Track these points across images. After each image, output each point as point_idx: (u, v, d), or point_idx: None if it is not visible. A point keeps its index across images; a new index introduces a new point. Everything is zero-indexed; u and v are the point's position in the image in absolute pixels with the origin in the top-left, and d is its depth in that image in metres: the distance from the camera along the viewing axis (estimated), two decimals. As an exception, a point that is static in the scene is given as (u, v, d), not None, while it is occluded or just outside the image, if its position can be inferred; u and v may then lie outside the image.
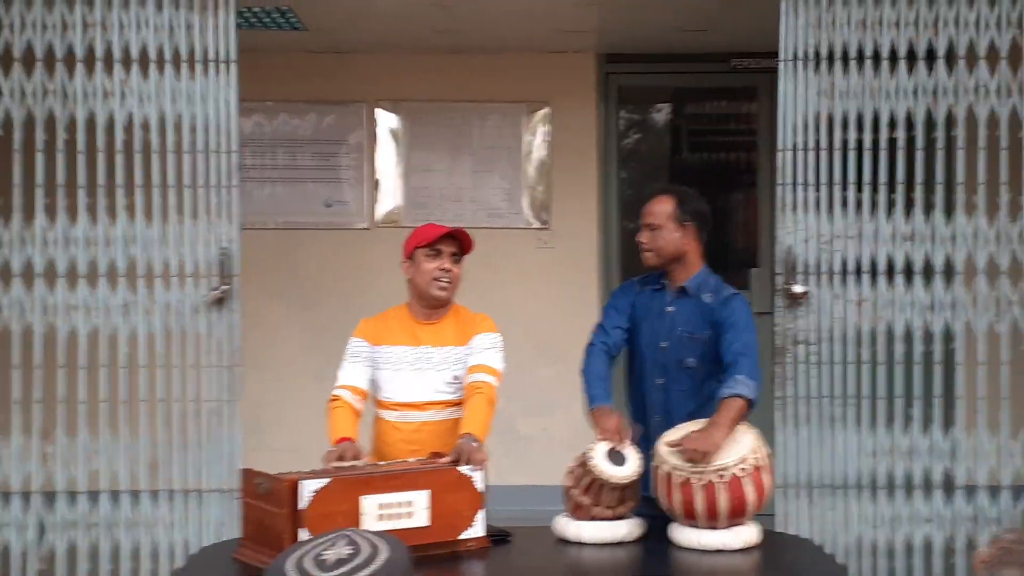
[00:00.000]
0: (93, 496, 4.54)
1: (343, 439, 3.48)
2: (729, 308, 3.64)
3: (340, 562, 1.46)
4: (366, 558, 1.47)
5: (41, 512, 4.53)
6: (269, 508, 2.99)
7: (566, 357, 4.83)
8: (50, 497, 4.53)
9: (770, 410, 4.47)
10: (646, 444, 3.47)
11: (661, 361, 3.73)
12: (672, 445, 3.31)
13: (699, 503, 3.19)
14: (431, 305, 3.70)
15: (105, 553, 4.54)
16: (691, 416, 3.57)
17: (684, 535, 3.24)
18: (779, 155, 4.53)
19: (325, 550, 1.50)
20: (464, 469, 3.19)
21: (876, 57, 4.51)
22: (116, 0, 4.48)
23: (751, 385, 3.44)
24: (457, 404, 3.65)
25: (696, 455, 3.23)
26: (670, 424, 3.54)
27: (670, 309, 3.73)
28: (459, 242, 3.70)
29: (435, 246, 3.65)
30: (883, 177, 4.52)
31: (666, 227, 3.71)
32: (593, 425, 3.50)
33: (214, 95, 4.50)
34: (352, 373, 3.67)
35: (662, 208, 3.73)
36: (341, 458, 3.35)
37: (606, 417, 3.47)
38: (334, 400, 3.64)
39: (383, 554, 1.48)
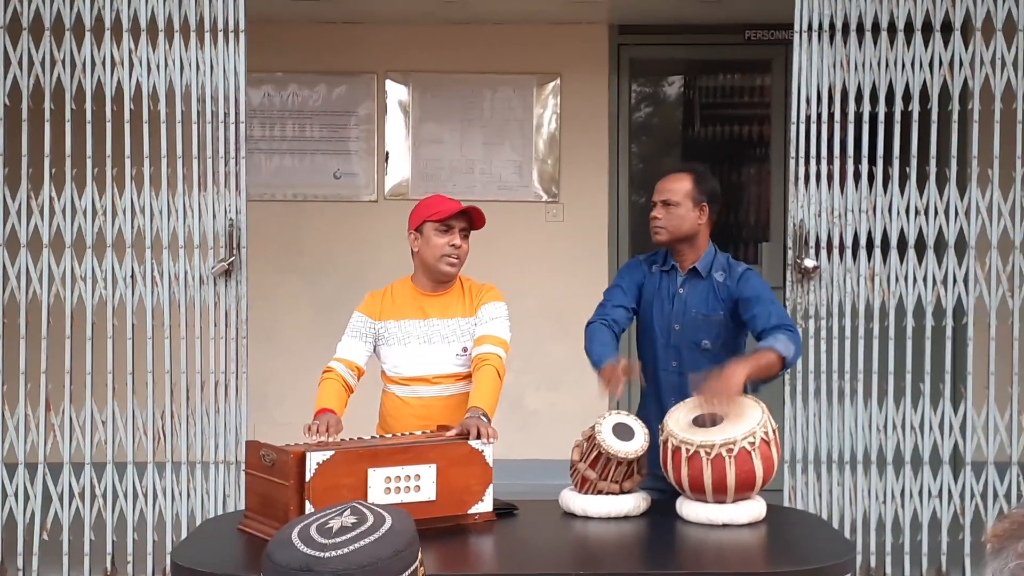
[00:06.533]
0: (98, 467, 4.54)
1: (324, 410, 3.44)
2: (748, 283, 3.60)
3: (344, 529, 1.49)
4: (370, 526, 1.49)
5: (47, 483, 4.54)
6: (275, 480, 2.98)
7: (575, 331, 4.79)
8: (55, 468, 4.53)
9: (779, 384, 4.45)
10: (659, 423, 3.44)
11: (674, 344, 3.68)
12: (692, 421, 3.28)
13: (707, 477, 3.17)
14: (437, 280, 3.65)
15: (110, 524, 4.55)
16: None
17: (691, 509, 3.22)
18: (792, 128, 4.49)
19: (330, 520, 1.51)
20: (475, 443, 3.16)
21: (892, 28, 4.47)
22: (123, -32, 4.47)
23: (791, 348, 3.40)
24: (467, 377, 3.60)
25: (713, 397, 3.20)
26: None
27: (682, 291, 3.69)
28: (470, 217, 3.63)
29: (447, 221, 3.59)
30: (896, 150, 4.49)
31: (683, 205, 3.66)
32: (601, 387, 3.45)
33: (223, 65, 4.48)
34: (350, 347, 3.62)
35: (680, 186, 3.68)
36: (319, 430, 3.29)
37: (608, 370, 3.40)
38: (327, 371, 3.59)
39: (387, 523, 1.50)
